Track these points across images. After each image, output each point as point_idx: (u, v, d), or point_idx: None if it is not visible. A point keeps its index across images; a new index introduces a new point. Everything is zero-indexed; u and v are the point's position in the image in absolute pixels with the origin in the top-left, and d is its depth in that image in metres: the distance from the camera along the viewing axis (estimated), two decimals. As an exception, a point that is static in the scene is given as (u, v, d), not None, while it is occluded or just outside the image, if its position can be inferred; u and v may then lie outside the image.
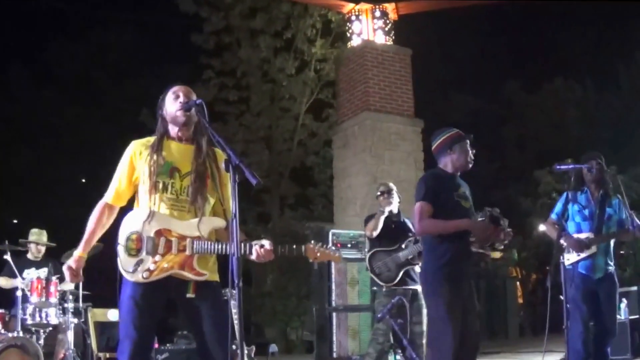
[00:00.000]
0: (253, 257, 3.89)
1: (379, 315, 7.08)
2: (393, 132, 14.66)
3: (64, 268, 4.08)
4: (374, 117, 14.56)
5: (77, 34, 21.15)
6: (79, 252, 4.09)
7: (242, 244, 3.84)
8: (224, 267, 3.92)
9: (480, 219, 5.18)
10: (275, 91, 17.13)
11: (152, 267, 3.90)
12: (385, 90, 14.77)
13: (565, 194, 6.48)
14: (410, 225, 7.55)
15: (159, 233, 3.94)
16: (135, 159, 4.08)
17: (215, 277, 4.07)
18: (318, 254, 3.90)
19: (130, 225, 4.01)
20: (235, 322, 3.40)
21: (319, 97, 17.09)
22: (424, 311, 7.00)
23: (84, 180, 20.58)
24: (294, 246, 3.87)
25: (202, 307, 3.95)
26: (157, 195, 3.99)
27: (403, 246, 7.36)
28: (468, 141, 5.34)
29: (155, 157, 4.03)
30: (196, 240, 3.92)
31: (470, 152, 5.33)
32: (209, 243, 3.92)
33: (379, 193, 7.66)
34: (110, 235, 4.15)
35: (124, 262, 3.95)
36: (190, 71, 16.15)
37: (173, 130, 4.14)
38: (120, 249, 3.97)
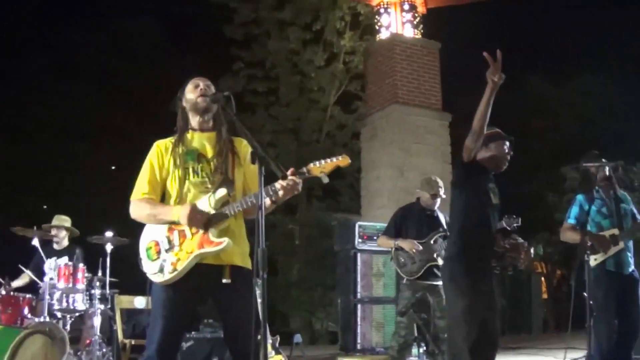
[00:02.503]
0: (280, 194, 3.82)
1: (403, 310, 7.08)
2: (421, 125, 14.68)
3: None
4: (402, 109, 14.58)
5: (99, 22, 21.15)
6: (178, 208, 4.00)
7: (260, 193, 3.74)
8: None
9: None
10: (304, 83, 17.13)
11: (174, 259, 3.95)
12: (413, 84, 14.78)
13: (579, 197, 6.45)
14: (443, 220, 7.47)
15: (170, 229, 4.01)
16: (161, 155, 4.16)
17: (248, 264, 4.07)
18: (324, 168, 3.86)
19: (146, 237, 4.10)
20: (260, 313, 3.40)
21: (347, 89, 17.07)
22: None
23: (113, 168, 20.65)
24: (297, 175, 3.81)
25: (234, 295, 3.97)
26: (186, 181, 4.06)
27: (432, 241, 7.29)
28: (508, 142, 5.28)
29: (179, 148, 4.12)
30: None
31: (506, 153, 5.27)
32: (217, 212, 3.94)
33: (432, 194, 7.44)
34: (136, 229, 4.20)
35: (148, 267, 4.03)
36: (218, 62, 16.15)
37: (194, 120, 4.23)
38: (142, 260, 4.05)
